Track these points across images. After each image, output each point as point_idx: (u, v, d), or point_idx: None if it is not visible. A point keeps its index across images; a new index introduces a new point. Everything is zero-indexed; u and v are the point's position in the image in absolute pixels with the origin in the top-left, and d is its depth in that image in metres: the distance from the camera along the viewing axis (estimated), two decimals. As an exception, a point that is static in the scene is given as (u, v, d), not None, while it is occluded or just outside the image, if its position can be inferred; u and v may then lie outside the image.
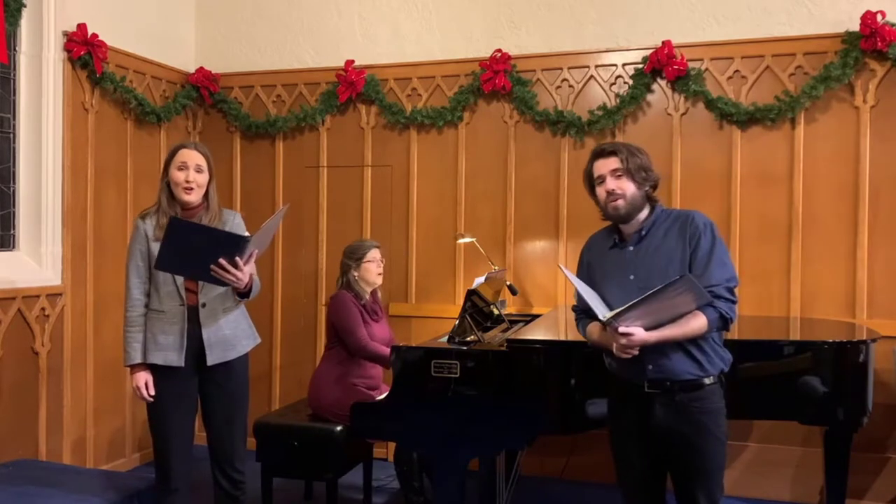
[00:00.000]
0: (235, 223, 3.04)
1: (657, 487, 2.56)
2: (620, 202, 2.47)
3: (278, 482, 3.68)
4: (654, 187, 2.54)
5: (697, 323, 2.34)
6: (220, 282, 2.79)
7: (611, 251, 2.56)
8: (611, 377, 2.61)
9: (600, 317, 2.31)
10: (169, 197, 2.96)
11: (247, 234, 2.95)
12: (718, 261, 2.41)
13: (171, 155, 2.97)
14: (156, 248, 2.83)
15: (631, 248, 2.51)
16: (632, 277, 2.46)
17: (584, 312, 2.65)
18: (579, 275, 2.65)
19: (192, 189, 2.92)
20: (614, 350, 2.38)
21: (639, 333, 2.30)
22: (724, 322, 2.39)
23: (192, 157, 2.94)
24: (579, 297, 2.63)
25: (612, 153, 2.50)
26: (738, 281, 2.46)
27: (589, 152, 4.35)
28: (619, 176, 2.48)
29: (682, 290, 2.24)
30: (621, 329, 2.29)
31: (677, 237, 2.46)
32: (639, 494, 2.57)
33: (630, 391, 2.50)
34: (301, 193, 4.97)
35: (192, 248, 2.72)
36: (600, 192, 2.52)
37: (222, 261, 2.71)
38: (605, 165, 2.51)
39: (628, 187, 2.47)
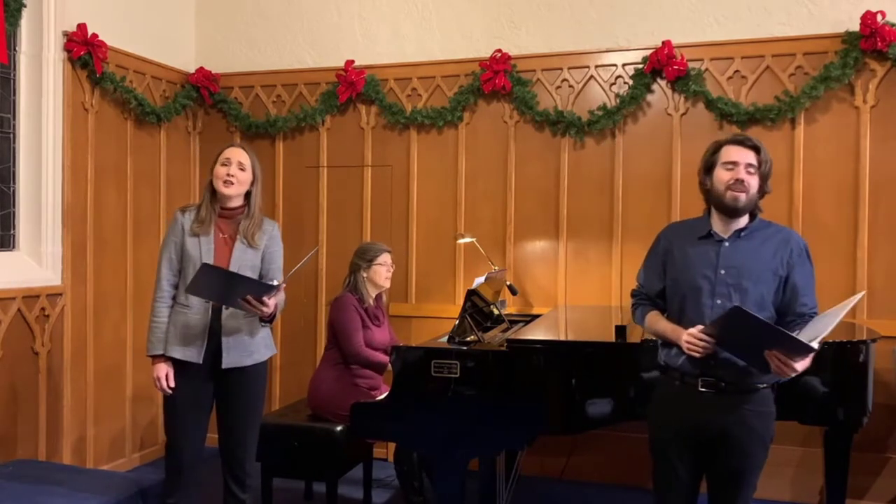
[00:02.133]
0: (273, 234, 3.13)
1: (693, 493, 2.55)
2: (744, 196, 2.45)
3: (278, 482, 3.68)
4: (761, 197, 2.53)
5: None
6: (246, 311, 2.88)
7: (700, 241, 2.53)
8: (663, 377, 2.59)
9: (811, 345, 2.22)
10: (212, 194, 3.01)
11: (282, 250, 3.13)
12: (814, 285, 2.49)
13: (218, 155, 3.05)
14: (190, 242, 2.95)
15: (727, 243, 2.49)
16: (722, 272, 2.45)
17: (647, 298, 2.65)
18: (654, 259, 2.65)
19: (231, 183, 2.97)
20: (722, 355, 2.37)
21: (806, 361, 2.29)
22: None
23: (235, 153, 3.03)
24: (645, 280, 2.65)
25: (756, 148, 2.48)
26: None
27: (589, 152, 4.44)
28: (752, 172, 2.46)
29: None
30: (808, 357, 2.27)
31: (776, 249, 2.47)
32: (677, 495, 2.55)
33: (682, 391, 2.49)
34: (301, 193, 4.97)
35: (221, 286, 2.83)
36: (724, 175, 2.48)
37: (250, 297, 2.80)
38: (743, 155, 2.47)
39: (754, 185, 2.46)
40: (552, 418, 3.00)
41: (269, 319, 2.99)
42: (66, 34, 4.13)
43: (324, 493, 3.62)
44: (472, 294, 3.37)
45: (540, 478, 4.43)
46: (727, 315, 2.28)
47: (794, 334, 2.25)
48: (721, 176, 2.49)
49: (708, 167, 2.55)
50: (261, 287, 2.85)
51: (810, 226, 4.08)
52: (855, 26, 3.92)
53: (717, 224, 2.53)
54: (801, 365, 2.26)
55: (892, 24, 3.86)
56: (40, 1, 4.05)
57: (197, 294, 2.88)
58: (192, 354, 2.92)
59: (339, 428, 3.56)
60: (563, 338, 3.50)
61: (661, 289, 2.61)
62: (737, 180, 2.45)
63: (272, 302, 2.86)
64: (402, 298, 4.75)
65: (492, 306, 3.77)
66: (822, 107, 4.06)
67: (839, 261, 4.04)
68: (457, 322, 3.25)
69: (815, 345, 2.22)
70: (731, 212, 2.48)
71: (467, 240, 4.37)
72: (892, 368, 3.85)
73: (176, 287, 2.98)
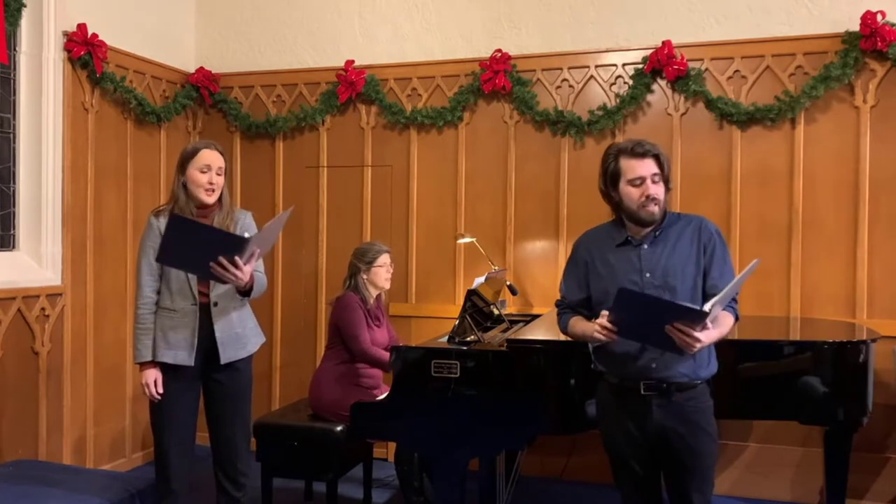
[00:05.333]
0: (247, 222, 3.07)
1: (654, 487, 2.58)
2: (656, 208, 2.46)
3: (278, 482, 3.68)
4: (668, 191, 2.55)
5: (730, 321, 2.44)
6: (220, 279, 2.77)
7: (619, 248, 2.54)
8: (602, 383, 2.61)
9: (703, 309, 2.24)
10: (185, 196, 2.96)
11: (249, 234, 2.93)
12: (731, 267, 2.51)
13: (191, 155, 2.96)
14: None
15: (645, 246, 2.50)
16: (647, 276, 2.46)
17: (569, 308, 2.65)
18: (573, 269, 2.65)
19: (213, 191, 2.94)
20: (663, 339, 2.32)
21: (711, 332, 2.30)
22: (736, 322, 2.48)
23: (215, 159, 2.96)
24: (566, 290, 2.64)
25: (655, 156, 2.46)
26: None
27: (589, 152, 4.44)
28: (657, 181, 2.46)
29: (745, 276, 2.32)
30: (709, 322, 2.27)
31: (690, 240, 2.49)
32: (638, 495, 2.58)
33: (625, 395, 2.50)
34: (301, 193, 4.97)
35: (191, 246, 2.71)
36: (634, 192, 2.45)
37: (222, 259, 2.69)
38: (646, 168, 2.45)
39: (662, 192, 2.47)
40: (552, 418, 3.00)
41: (246, 291, 2.92)
42: (66, 34, 4.13)
43: (324, 493, 3.62)
44: (472, 294, 3.37)
45: (540, 478, 4.43)
46: (617, 299, 2.27)
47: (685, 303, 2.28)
48: (630, 194, 2.46)
49: (612, 179, 2.52)
50: (232, 241, 2.73)
51: (810, 226, 4.08)
52: (855, 26, 3.92)
53: (632, 229, 2.53)
54: (705, 336, 2.26)
55: (892, 24, 3.86)
56: (40, 1, 4.05)
57: (167, 262, 2.82)
58: (184, 357, 2.90)
59: (339, 428, 3.56)
60: (563, 338, 3.49)
61: (582, 298, 2.61)
62: (648, 197, 2.44)
63: (248, 268, 2.76)
64: (402, 298, 4.75)
65: (492, 306, 3.77)
66: (822, 107, 4.06)
67: (839, 261, 4.04)
68: (457, 322, 3.25)
69: (706, 307, 2.24)
70: (648, 224, 2.49)
71: (467, 240, 4.37)
72: (892, 368, 3.85)
73: (159, 292, 2.94)
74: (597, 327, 2.38)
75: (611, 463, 2.62)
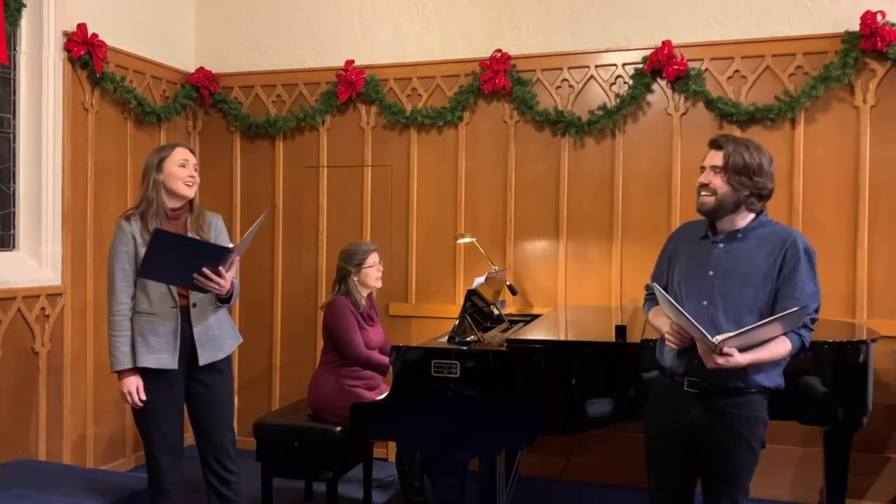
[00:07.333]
0: (218, 226, 3.07)
1: (686, 489, 2.55)
2: (709, 198, 2.45)
3: (278, 482, 3.68)
4: (762, 197, 2.45)
5: (783, 348, 2.36)
6: (202, 289, 2.80)
7: (701, 241, 2.54)
8: (658, 374, 2.61)
9: (713, 340, 2.24)
10: (160, 197, 2.95)
11: (230, 243, 2.96)
12: (812, 292, 2.39)
13: (167, 154, 2.98)
14: (144, 251, 2.80)
15: (721, 244, 2.48)
16: (711, 273, 2.45)
17: (654, 295, 2.67)
18: (662, 257, 2.68)
19: (193, 184, 2.97)
20: (702, 356, 2.34)
21: (737, 356, 2.27)
22: (802, 350, 2.41)
23: (191, 156, 3.02)
24: (654, 276, 2.66)
25: (720, 147, 2.46)
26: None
27: (589, 152, 4.44)
28: (717, 172, 2.44)
29: (789, 318, 2.26)
30: (725, 349, 2.26)
31: (771, 251, 2.41)
32: (667, 494, 2.56)
33: (670, 390, 2.50)
34: (301, 193, 4.97)
35: (176, 259, 2.73)
36: (698, 182, 2.51)
37: (206, 270, 2.73)
38: (710, 158, 2.49)
39: (721, 185, 2.43)
40: (552, 418, 3.00)
41: (226, 299, 2.93)
42: (66, 34, 4.13)
43: (324, 493, 3.62)
44: (472, 294, 3.37)
45: (540, 478, 4.43)
46: (656, 295, 2.35)
47: (730, 333, 2.28)
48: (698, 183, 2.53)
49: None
50: (216, 252, 2.76)
51: (810, 226, 4.08)
52: (855, 26, 3.92)
53: (716, 225, 2.53)
54: (724, 360, 2.27)
55: (892, 24, 3.86)
56: (40, 1, 4.05)
57: (151, 276, 2.81)
58: (167, 360, 2.88)
59: (338, 428, 3.56)
60: (562, 338, 3.50)
61: (663, 286, 2.60)
62: (700, 185, 2.48)
63: (229, 276, 2.80)
64: (402, 298, 4.75)
65: (492, 306, 3.77)
66: (822, 107, 4.06)
67: (839, 261, 4.04)
68: (457, 322, 3.25)
69: (718, 339, 2.25)
70: (704, 215, 2.51)
71: (467, 240, 4.37)
72: (892, 368, 3.85)
73: (134, 298, 2.90)
74: (668, 335, 2.43)
75: (646, 459, 2.61)
